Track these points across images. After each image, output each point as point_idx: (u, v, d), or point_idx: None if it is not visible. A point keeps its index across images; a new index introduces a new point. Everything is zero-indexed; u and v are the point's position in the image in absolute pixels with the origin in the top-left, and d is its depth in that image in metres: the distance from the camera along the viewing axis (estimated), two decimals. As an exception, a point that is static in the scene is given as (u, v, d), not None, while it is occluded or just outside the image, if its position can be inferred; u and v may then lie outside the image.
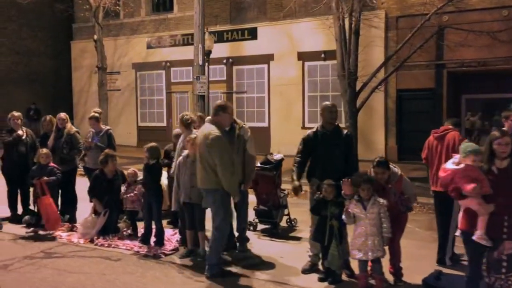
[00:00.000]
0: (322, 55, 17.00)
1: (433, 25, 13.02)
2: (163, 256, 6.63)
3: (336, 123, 5.99)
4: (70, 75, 27.71)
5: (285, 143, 17.00)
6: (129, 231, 7.68)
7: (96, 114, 8.46)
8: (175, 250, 6.88)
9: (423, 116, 15.65)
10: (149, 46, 20.80)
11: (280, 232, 7.77)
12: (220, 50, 18.89)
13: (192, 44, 19.56)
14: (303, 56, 17.57)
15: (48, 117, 8.90)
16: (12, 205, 8.84)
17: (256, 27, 18.50)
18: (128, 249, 6.93)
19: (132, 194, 7.48)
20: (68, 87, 27.50)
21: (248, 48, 18.62)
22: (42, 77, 26.71)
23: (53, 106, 24.50)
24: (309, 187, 6.05)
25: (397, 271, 5.56)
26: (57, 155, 8.27)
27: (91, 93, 22.40)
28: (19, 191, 8.86)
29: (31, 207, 8.55)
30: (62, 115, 8.61)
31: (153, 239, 7.15)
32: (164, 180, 8.18)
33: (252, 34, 18.62)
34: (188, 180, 6.45)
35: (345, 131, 5.98)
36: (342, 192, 5.31)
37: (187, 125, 7.10)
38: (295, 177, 5.98)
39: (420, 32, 12.66)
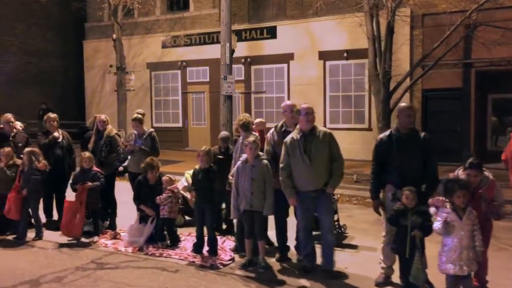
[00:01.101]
0: (345, 54, 16.68)
1: (465, 23, 12.69)
2: (221, 267, 6.30)
3: (413, 126, 5.65)
4: (79, 75, 27.38)
5: (306, 144, 16.72)
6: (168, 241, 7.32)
7: (139, 116, 8.10)
8: (232, 260, 6.54)
9: (449, 116, 15.36)
10: (164, 46, 20.43)
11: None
12: (238, 49, 18.44)
13: (209, 43, 19.44)
14: (324, 55, 17.24)
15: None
16: (48, 211, 8.49)
17: (276, 25, 18.16)
18: (182, 259, 6.59)
19: (169, 202, 7.16)
20: (77, 87, 27.15)
21: (267, 47, 18.28)
22: (51, 78, 26.35)
23: (62, 106, 24.15)
24: (382, 194, 5.71)
25: (483, 284, 5.24)
26: (97, 158, 7.91)
27: (104, 94, 22.04)
28: (54, 195, 8.52)
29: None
30: (103, 117, 8.25)
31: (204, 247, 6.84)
32: None
33: (271, 33, 18.28)
34: (248, 186, 6.12)
35: (422, 134, 5.63)
36: (430, 200, 4.98)
37: (246, 128, 6.77)
38: (373, 194, 5.66)
39: (445, 29, 12.33)
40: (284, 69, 18.18)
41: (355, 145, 15.71)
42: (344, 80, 17.05)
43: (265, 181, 6.11)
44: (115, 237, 7.63)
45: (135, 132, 8.09)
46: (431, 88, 15.69)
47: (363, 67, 16.62)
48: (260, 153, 6.24)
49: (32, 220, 7.76)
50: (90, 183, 7.36)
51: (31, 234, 7.61)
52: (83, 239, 7.48)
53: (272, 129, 6.67)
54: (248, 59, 18.64)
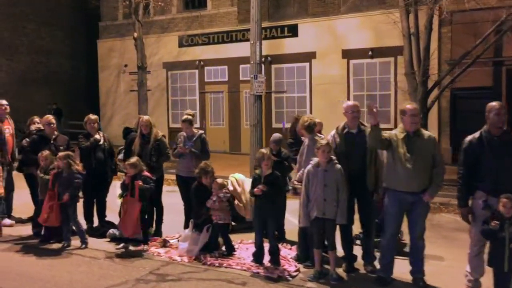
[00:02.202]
0: (369, 53, 16.32)
1: (493, 20, 12.34)
2: (290, 278, 5.93)
3: (505, 126, 5.29)
4: (89, 75, 27.00)
5: (329, 144, 16.36)
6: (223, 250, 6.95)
7: (190, 117, 7.70)
8: (298, 270, 6.18)
9: (478, 116, 14.91)
10: (181, 45, 20.04)
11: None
12: (257, 48, 18.20)
13: (227, 42, 19.09)
14: (348, 54, 16.88)
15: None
16: (88, 217, 8.12)
17: (297, 23, 17.80)
18: (245, 270, 6.22)
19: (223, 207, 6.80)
20: (87, 87, 26.79)
21: (288, 45, 17.91)
22: (61, 77, 26.01)
23: (72, 106, 23.79)
24: (472, 200, 5.35)
25: None
26: (145, 162, 7.52)
27: (119, 94, 21.66)
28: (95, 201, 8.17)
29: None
30: (145, 119, 7.79)
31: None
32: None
33: (293, 31, 17.92)
34: (321, 192, 5.76)
35: (517, 135, 5.26)
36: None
37: (311, 129, 6.42)
38: (462, 202, 5.32)
39: (475, 27, 12.00)
40: (306, 68, 17.82)
41: None
42: (369, 79, 16.70)
43: (338, 187, 5.75)
44: (165, 244, 7.27)
45: (184, 134, 7.70)
46: (460, 87, 15.29)
47: (388, 66, 16.31)
48: (333, 157, 5.88)
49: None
50: (140, 182, 6.95)
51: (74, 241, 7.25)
52: (131, 247, 7.10)
53: (333, 131, 6.34)
54: (269, 58, 18.25)
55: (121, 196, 7.45)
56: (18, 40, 24.59)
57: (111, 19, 21.68)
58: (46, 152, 7.43)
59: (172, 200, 8.45)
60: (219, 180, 6.92)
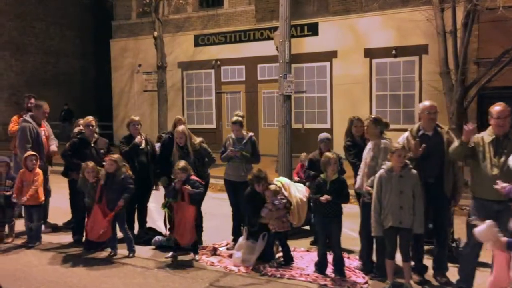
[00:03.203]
0: (393, 52, 16.00)
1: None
2: (361, 290, 5.59)
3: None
4: (99, 76, 26.66)
5: (350, 145, 16.03)
6: (280, 258, 6.60)
7: (240, 119, 7.33)
8: (366, 282, 5.84)
9: (506, 116, 14.67)
10: (196, 44, 19.67)
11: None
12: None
13: (245, 41, 18.77)
14: (370, 53, 16.56)
15: None
16: (129, 223, 7.71)
17: (317, 22, 17.48)
18: (310, 281, 5.87)
19: (281, 214, 6.45)
20: (96, 88, 26.44)
21: (308, 44, 17.57)
22: (70, 78, 25.71)
23: (81, 107, 23.41)
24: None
25: None
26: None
27: (132, 94, 21.29)
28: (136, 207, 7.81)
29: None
30: (180, 130, 7.16)
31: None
32: (297, 194, 7.15)
33: (313, 29, 17.59)
34: (396, 199, 5.42)
35: None
36: None
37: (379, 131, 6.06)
38: None
39: (502, 25, 11.68)
40: (326, 67, 17.49)
41: None
42: (392, 78, 16.38)
43: (414, 194, 5.41)
44: (215, 253, 6.92)
45: (233, 136, 7.33)
46: (487, 86, 15.01)
47: (413, 65, 16.00)
48: (407, 161, 5.54)
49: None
50: (189, 187, 6.58)
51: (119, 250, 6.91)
52: (180, 257, 6.75)
53: (407, 133, 5.99)
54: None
55: (164, 205, 7.08)
56: (27, 40, 24.26)
57: (125, 18, 21.30)
58: (91, 164, 7.02)
59: (213, 204, 8.11)
60: (272, 187, 6.56)
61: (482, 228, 3.99)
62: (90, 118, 7.68)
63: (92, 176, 6.95)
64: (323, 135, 7.60)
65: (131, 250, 6.84)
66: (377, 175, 5.64)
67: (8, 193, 7.26)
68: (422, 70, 15.70)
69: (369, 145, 6.12)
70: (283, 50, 12.49)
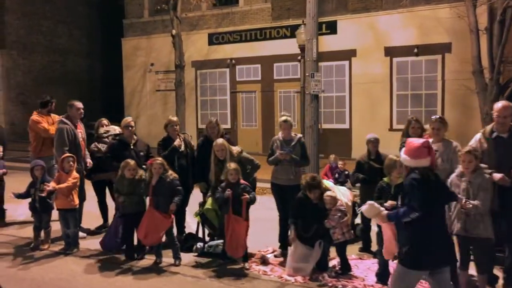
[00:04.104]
0: (415, 50, 15.69)
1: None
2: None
3: None
4: (106, 75, 26.31)
5: (370, 146, 15.72)
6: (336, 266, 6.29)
7: (290, 118, 6.99)
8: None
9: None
10: (211, 43, 19.33)
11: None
12: (293, 46, 17.52)
13: (260, 39, 18.45)
14: (391, 51, 16.25)
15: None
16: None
17: (336, 20, 17.14)
18: (374, 291, 5.56)
19: (346, 222, 6.14)
20: (104, 87, 26.09)
21: (326, 43, 17.20)
22: (78, 77, 25.37)
23: (89, 106, 22.98)
24: None
25: None
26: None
27: (144, 94, 20.94)
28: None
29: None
30: (219, 143, 6.69)
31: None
32: (343, 198, 6.84)
33: (331, 28, 17.26)
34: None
35: None
36: None
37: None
38: None
39: None
40: (345, 66, 17.18)
41: None
42: (414, 77, 16.07)
43: (483, 199, 5.10)
44: (264, 261, 6.59)
45: (280, 137, 6.99)
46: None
47: (435, 64, 15.70)
48: (483, 165, 5.22)
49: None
50: (247, 195, 6.27)
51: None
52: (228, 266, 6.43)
53: (479, 135, 5.67)
54: (299, 57, 17.57)
55: (198, 214, 6.77)
56: (34, 39, 23.88)
57: (136, 17, 20.94)
58: (132, 162, 6.71)
59: (253, 208, 7.76)
60: (330, 193, 6.23)
61: (366, 207, 4.66)
62: (129, 118, 7.36)
63: (131, 174, 6.63)
64: (371, 135, 7.29)
65: (177, 257, 6.52)
66: (449, 179, 5.33)
67: (42, 195, 6.91)
68: (445, 69, 15.40)
69: (435, 147, 5.73)
70: (310, 48, 12.23)
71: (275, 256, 6.86)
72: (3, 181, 8.62)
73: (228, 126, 19.21)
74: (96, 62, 26.73)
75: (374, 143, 7.10)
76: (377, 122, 16.42)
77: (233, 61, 18.89)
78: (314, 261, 6.09)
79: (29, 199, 7.15)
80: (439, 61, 15.56)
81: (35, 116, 8.58)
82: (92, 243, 7.34)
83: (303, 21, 15.22)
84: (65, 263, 6.54)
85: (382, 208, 4.59)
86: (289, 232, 6.55)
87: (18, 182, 8.96)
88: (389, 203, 5.49)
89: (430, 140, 5.81)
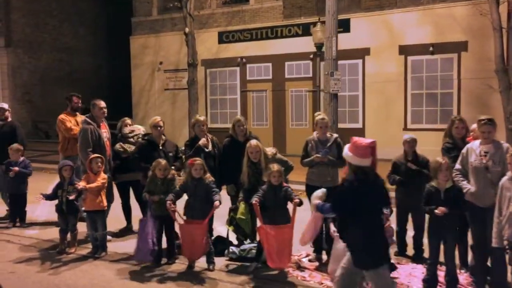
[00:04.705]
0: (430, 48, 15.48)
1: None
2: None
3: None
4: (112, 73, 26.08)
5: (383, 145, 15.38)
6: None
7: (327, 118, 6.77)
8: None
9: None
10: (221, 41, 19.10)
11: None
12: (305, 44, 17.35)
13: (271, 38, 18.23)
14: (405, 50, 16.04)
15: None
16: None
17: (349, 18, 16.90)
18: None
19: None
20: (110, 86, 25.86)
21: (339, 41, 16.79)
22: (83, 76, 25.15)
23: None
24: None
25: None
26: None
27: (152, 93, 20.70)
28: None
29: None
30: (254, 145, 6.42)
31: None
32: None
33: (344, 26, 16.91)
34: (514, 211, 4.90)
35: None
36: None
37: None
38: None
39: None
40: (358, 65, 16.96)
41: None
42: (429, 76, 15.86)
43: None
44: (299, 266, 6.36)
45: (315, 138, 6.76)
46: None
47: (451, 63, 15.50)
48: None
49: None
50: (298, 201, 6.04)
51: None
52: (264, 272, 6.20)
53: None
54: (315, 55, 17.36)
55: (230, 223, 6.53)
56: (40, 37, 23.65)
57: (145, 15, 20.68)
58: (164, 161, 6.50)
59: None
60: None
61: (316, 195, 4.87)
62: (158, 118, 7.13)
63: (162, 174, 6.41)
64: (407, 135, 7.05)
65: (211, 262, 6.30)
66: (500, 182, 5.12)
67: (71, 197, 6.69)
68: (461, 67, 15.20)
69: (485, 149, 5.49)
70: (329, 46, 12.04)
71: (310, 260, 6.64)
72: (26, 183, 8.39)
73: (239, 125, 18.99)
74: (102, 61, 26.51)
75: (410, 143, 6.87)
76: (391, 121, 16.24)
77: (244, 60, 18.66)
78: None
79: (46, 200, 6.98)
80: (455, 59, 15.36)
81: (61, 115, 8.50)
82: (119, 246, 7.13)
83: (319, 19, 15.07)
84: (95, 267, 6.32)
85: (317, 200, 4.73)
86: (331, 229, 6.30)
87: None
88: (439, 209, 5.30)
89: (477, 141, 5.61)
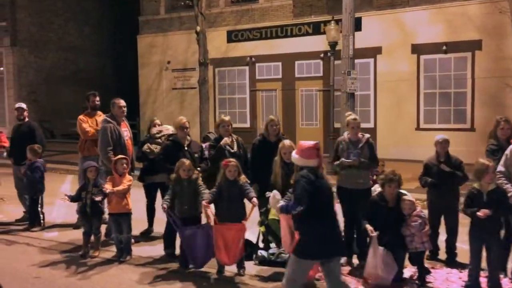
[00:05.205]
0: (444, 47, 15.30)
1: None
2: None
3: None
4: (116, 73, 25.87)
5: (395, 145, 15.37)
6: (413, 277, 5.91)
7: (358, 118, 6.59)
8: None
9: None
10: (229, 40, 18.92)
11: None
12: (315, 43, 17.20)
13: (281, 37, 18.05)
14: (418, 49, 15.86)
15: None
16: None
17: (360, 16, 16.62)
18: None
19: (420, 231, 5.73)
20: (115, 86, 25.62)
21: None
22: (89, 75, 24.93)
23: (101, 105, 22.62)
24: None
25: None
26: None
27: (160, 92, 20.52)
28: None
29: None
30: (287, 145, 6.27)
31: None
32: None
33: (356, 24, 16.75)
34: None
35: None
36: None
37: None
38: None
39: None
40: (370, 64, 16.78)
41: (456, 147, 14.09)
42: (442, 76, 15.69)
43: None
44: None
45: (346, 138, 6.58)
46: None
47: (464, 62, 15.32)
48: None
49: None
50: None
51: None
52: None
53: None
54: (328, 54, 17.14)
55: (262, 223, 6.34)
56: (45, 37, 23.45)
57: (152, 14, 20.49)
58: (188, 161, 6.32)
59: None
60: (409, 197, 5.81)
61: (270, 195, 5.00)
62: (184, 119, 6.97)
63: (186, 175, 6.22)
64: (439, 136, 6.85)
65: (242, 267, 6.11)
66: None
67: (97, 199, 6.50)
68: (475, 66, 15.04)
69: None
70: (346, 45, 11.88)
71: (341, 265, 6.43)
72: (41, 184, 8.20)
73: (248, 125, 18.85)
74: (107, 60, 26.29)
75: (442, 144, 6.65)
76: (403, 121, 16.08)
77: (253, 59, 18.49)
78: (395, 271, 5.68)
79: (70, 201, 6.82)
80: (469, 58, 15.19)
81: (80, 116, 8.33)
82: (143, 250, 6.94)
83: (333, 17, 14.92)
84: (122, 272, 6.14)
85: (281, 202, 4.82)
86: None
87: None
88: (482, 211, 5.13)
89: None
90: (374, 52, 16.56)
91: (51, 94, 23.20)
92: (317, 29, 17.34)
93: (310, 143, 4.77)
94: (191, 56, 19.45)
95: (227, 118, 7.13)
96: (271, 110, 18.45)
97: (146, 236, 7.66)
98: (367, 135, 6.64)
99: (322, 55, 17.26)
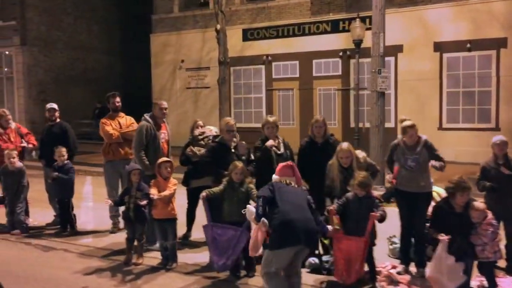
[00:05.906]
0: (468, 45, 15.01)
1: None
2: None
3: None
4: (124, 72, 25.55)
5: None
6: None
7: (415, 125, 6.29)
8: None
9: None
10: (245, 38, 18.61)
11: None
12: (334, 41, 16.93)
13: (298, 35, 17.76)
14: (441, 47, 15.57)
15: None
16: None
17: (381, 14, 16.39)
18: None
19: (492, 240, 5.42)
20: (124, 85, 25.32)
21: (369, 38, 16.48)
22: (98, 74, 24.64)
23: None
24: None
25: None
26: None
27: (174, 92, 20.20)
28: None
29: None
30: (345, 148, 6.03)
31: None
32: None
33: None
34: None
35: None
36: None
37: None
38: None
39: None
40: (390, 62, 16.42)
41: (480, 147, 13.88)
42: (466, 74, 15.40)
43: None
44: (392, 280, 5.86)
45: (401, 143, 6.27)
46: None
47: (489, 59, 15.03)
48: None
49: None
50: (378, 214, 5.54)
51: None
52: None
53: None
54: (347, 52, 16.89)
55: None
56: (55, 36, 23.12)
57: (166, 12, 20.17)
58: (240, 164, 6.00)
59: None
60: (481, 204, 5.48)
61: (248, 210, 5.29)
62: (231, 121, 6.63)
63: (238, 179, 5.91)
64: (497, 137, 6.51)
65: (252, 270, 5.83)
66: None
67: (142, 203, 6.19)
68: (500, 65, 14.74)
69: None
70: (376, 43, 11.57)
71: (398, 273, 6.13)
72: (69, 184, 7.89)
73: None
74: (116, 59, 25.96)
75: (500, 146, 6.31)
76: (425, 120, 15.66)
77: (269, 58, 18.19)
78: (460, 281, 5.36)
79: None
80: (493, 56, 14.91)
81: (103, 119, 8.02)
82: (187, 257, 6.63)
83: (358, 15, 14.63)
84: (172, 281, 5.82)
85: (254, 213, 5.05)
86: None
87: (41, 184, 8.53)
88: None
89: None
90: (395, 50, 16.22)
91: (60, 93, 22.81)
92: (335, 27, 17.05)
93: (284, 163, 5.44)
94: (205, 55, 19.17)
95: (271, 119, 6.80)
96: (288, 110, 18.18)
97: (184, 241, 7.34)
98: (424, 137, 6.34)
99: (341, 53, 16.98)
